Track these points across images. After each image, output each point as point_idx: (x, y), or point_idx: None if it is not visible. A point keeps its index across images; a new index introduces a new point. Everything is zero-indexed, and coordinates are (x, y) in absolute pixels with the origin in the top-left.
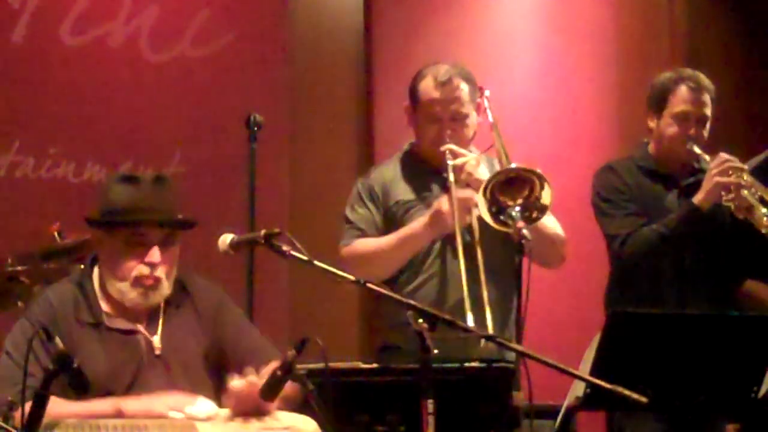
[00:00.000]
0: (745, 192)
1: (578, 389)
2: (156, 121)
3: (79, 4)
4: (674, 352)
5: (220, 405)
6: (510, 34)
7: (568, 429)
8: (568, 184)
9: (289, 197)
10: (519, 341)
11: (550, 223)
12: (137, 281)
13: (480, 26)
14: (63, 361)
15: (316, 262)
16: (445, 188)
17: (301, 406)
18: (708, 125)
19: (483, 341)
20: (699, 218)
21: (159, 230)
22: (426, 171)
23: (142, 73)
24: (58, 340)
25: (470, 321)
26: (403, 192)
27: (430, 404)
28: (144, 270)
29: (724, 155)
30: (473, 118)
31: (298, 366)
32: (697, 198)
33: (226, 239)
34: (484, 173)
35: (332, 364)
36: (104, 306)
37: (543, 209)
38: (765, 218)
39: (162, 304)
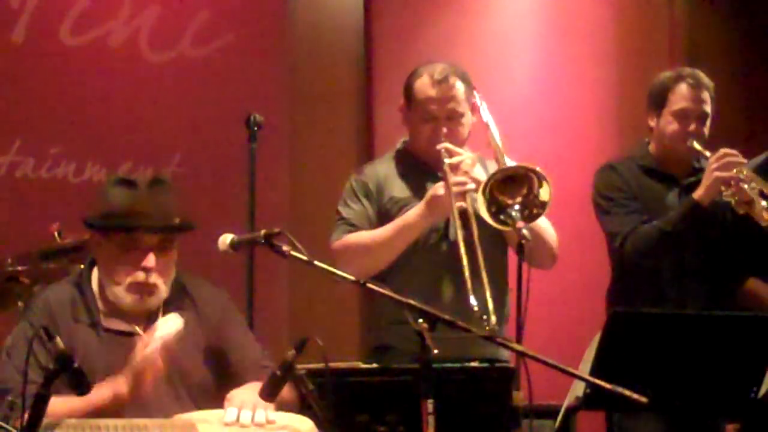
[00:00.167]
0: (744, 186)
1: (578, 389)
2: (156, 121)
3: (79, 4)
4: (674, 352)
5: (220, 405)
6: (509, 35)
7: (568, 429)
8: (568, 183)
9: (289, 197)
10: (519, 341)
11: (542, 223)
12: (132, 287)
13: (480, 26)
14: (63, 361)
15: (316, 262)
16: None
17: (300, 406)
18: (708, 122)
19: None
20: (700, 214)
21: (155, 235)
22: (421, 170)
23: (142, 73)
24: (58, 339)
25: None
26: (398, 189)
27: (430, 404)
28: (140, 276)
29: (724, 150)
30: (468, 118)
31: (298, 366)
32: (697, 193)
33: (226, 239)
34: (479, 173)
35: (332, 364)
36: (102, 307)
37: (542, 206)
38: (765, 212)
39: (161, 306)
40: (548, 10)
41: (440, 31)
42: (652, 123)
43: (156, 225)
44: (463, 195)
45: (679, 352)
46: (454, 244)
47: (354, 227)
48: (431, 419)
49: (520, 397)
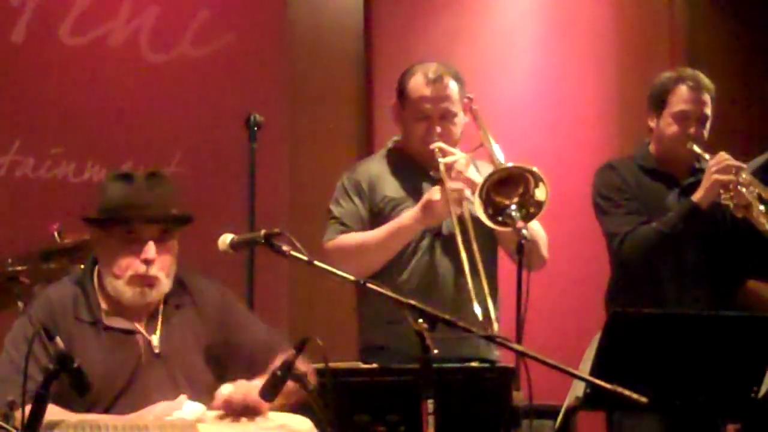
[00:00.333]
0: (743, 190)
1: (578, 389)
2: (156, 121)
3: (79, 4)
4: (674, 352)
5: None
6: (510, 34)
7: (568, 429)
8: (568, 184)
9: (289, 197)
10: (519, 341)
11: (534, 225)
12: (133, 280)
13: (480, 26)
14: (63, 361)
15: (316, 262)
16: (434, 185)
17: (300, 406)
18: (708, 124)
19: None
20: (698, 216)
21: (154, 226)
22: (413, 169)
23: (142, 73)
24: (58, 339)
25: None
26: (391, 188)
27: (430, 404)
28: (140, 268)
29: (723, 154)
30: (461, 118)
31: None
32: (696, 196)
33: (226, 239)
34: (473, 173)
35: (332, 364)
36: (103, 305)
37: (539, 206)
38: (762, 216)
39: (161, 304)
40: (548, 10)
41: (440, 31)
42: (652, 124)
43: (154, 215)
44: (460, 202)
45: (679, 352)
46: (447, 241)
47: (346, 226)
48: (431, 419)
49: (520, 397)
